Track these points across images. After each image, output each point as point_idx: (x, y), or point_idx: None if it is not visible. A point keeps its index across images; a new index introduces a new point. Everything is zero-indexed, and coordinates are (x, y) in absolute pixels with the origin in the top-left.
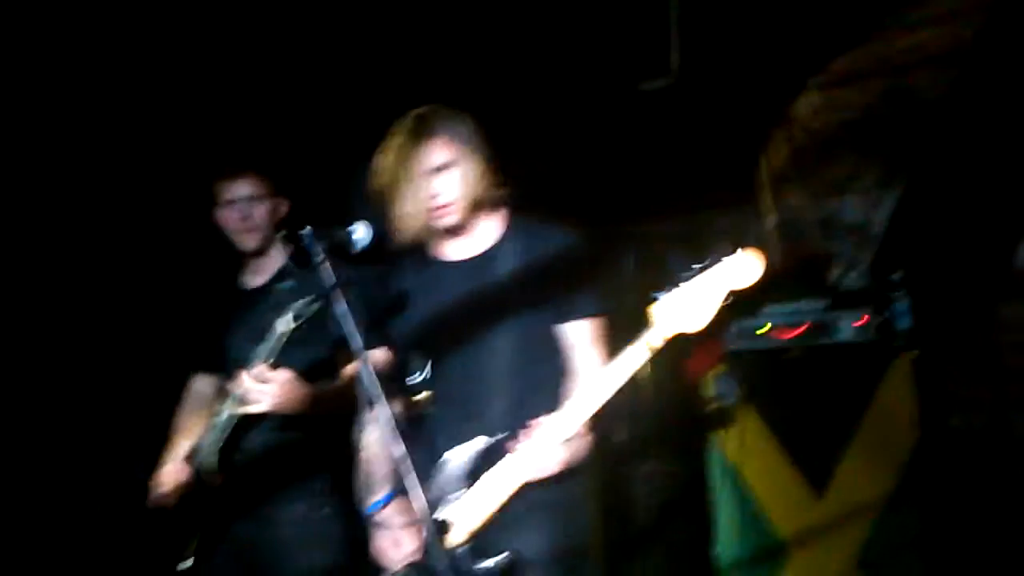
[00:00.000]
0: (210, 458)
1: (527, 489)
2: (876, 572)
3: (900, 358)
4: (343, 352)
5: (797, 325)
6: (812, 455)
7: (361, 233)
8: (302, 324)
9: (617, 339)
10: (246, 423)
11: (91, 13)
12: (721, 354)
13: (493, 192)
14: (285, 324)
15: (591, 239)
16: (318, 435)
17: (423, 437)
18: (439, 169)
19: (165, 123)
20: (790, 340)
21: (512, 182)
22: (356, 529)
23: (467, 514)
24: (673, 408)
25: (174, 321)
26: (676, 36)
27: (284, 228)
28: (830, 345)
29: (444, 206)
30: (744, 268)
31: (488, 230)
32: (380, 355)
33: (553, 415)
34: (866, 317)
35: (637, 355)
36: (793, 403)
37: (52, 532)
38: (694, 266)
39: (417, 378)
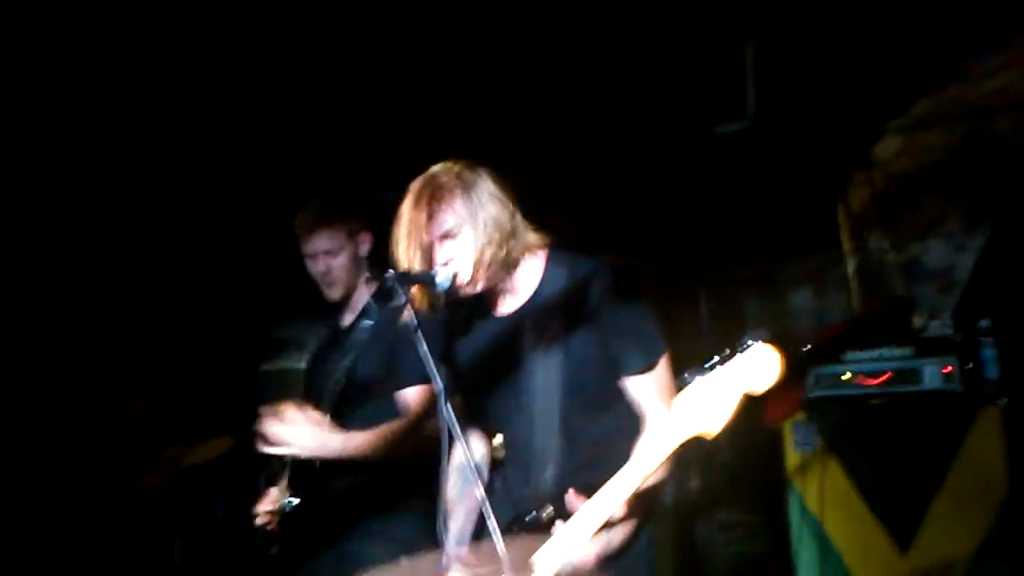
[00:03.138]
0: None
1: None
2: None
3: (989, 408)
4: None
5: (880, 373)
6: (896, 508)
7: (443, 276)
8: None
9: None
10: (323, 464)
11: (159, 41)
12: (800, 401)
13: (515, 246)
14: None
15: (661, 283)
16: (394, 478)
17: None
18: (445, 236)
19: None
20: (873, 388)
21: (562, 224)
22: None
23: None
24: (750, 456)
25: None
26: (752, 78)
27: (372, 261)
28: (915, 393)
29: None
30: (761, 365)
31: (528, 279)
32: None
33: (592, 500)
34: (952, 366)
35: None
36: (876, 453)
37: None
38: (714, 359)
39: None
